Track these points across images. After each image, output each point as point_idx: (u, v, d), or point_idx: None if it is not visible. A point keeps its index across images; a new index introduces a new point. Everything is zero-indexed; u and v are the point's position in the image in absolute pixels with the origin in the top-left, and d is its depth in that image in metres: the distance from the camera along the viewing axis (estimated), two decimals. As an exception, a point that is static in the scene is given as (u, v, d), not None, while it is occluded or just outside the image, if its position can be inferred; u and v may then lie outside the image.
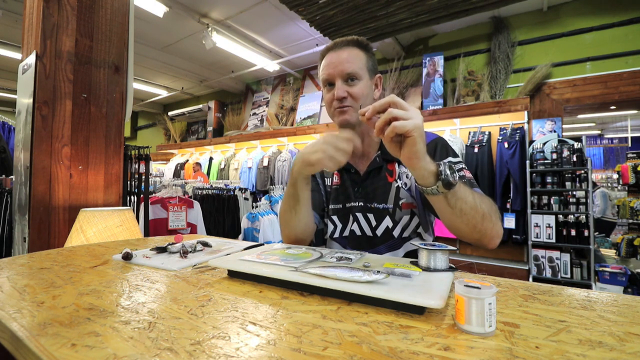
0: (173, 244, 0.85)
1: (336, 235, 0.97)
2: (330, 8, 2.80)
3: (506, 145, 3.03)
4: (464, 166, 0.87)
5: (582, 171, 2.77)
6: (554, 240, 2.78)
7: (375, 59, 0.92)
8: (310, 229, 0.91)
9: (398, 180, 0.91)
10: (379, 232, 0.91)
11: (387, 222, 0.90)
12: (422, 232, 0.92)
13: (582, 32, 3.09)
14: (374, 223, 0.91)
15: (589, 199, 2.71)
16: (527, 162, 2.90)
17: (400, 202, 0.89)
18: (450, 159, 0.86)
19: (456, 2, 2.66)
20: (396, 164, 0.92)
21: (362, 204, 0.93)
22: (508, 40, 3.35)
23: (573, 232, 2.75)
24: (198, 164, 5.22)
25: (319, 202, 1.00)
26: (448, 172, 0.63)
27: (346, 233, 0.95)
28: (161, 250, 0.83)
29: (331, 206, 0.98)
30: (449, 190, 0.64)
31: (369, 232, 0.92)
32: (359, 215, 0.93)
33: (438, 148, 0.90)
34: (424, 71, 3.66)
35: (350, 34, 3.31)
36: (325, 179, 1.02)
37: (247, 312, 0.46)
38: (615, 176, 6.75)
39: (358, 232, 0.92)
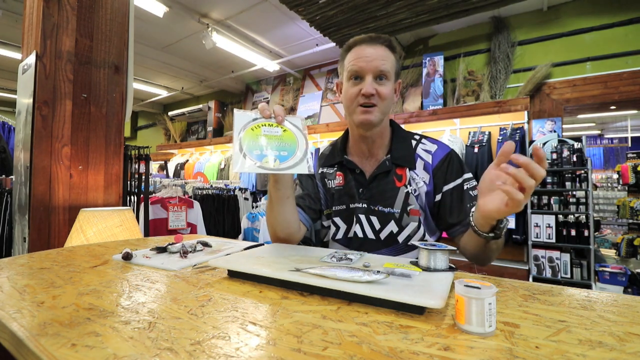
0: (173, 244, 0.85)
1: (339, 236, 0.95)
2: (330, 8, 2.80)
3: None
4: (476, 183, 0.87)
5: (582, 171, 2.76)
6: (554, 240, 2.78)
7: (400, 64, 0.91)
8: (292, 229, 0.88)
9: (408, 186, 0.89)
10: (383, 235, 0.89)
11: (392, 226, 0.88)
12: (428, 238, 0.91)
13: (582, 32, 3.09)
14: (377, 226, 0.89)
15: (589, 199, 2.71)
16: (527, 162, 2.89)
17: (408, 208, 0.88)
18: (465, 176, 0.88)
19: (456, 2, 2.65)
20: (406, 169, 0.90)
21: (366, 206, 0.91)
22: (508, 40, 3.35)
23: (573, 232, 2.75)
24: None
25: (311, 204, 0.98)
26: (503, 231, 0.68)
27: (350, 234, 0.93)
28: (161, 250, 0.83)
29: (335, 207, 0.96)
30: (494, 239, 0.70)
31: (371, 235, 0.90)
32: (362, 217, 0.91)
33: (455, 163, 0.90)
34: (424, 71, 3.65)
35: (350, 34, 3.32)
36: (327, 180, 1.00)
37: (247, 312, 0.46)
38: (615, 176, 6.75)
39: (360, 235, 0.91)
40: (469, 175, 0.89)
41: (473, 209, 0.72)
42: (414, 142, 0.94)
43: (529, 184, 0.55)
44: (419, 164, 0.91)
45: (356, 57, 0.85)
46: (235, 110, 0.74)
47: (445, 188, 0.88)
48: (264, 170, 0.70)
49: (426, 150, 0.92)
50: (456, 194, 0.87)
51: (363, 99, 0.84)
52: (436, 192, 0.89)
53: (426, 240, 0.90)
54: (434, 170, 0.89)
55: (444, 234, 0.95)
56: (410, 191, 0.88)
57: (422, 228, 0.89)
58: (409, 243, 0.88)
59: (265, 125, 0.74)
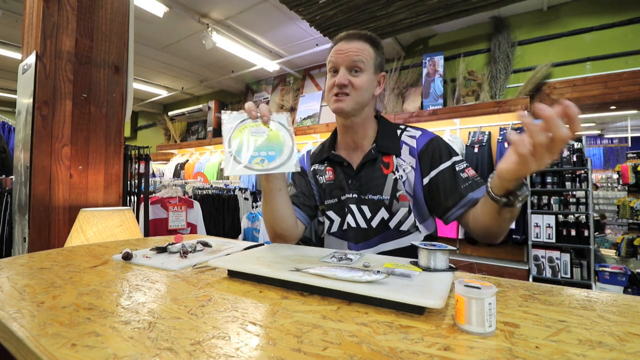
0: (173, 244, 0.85)
1: (334, 229, 0.97)
2: (330, 8, 2.80)
3: (506, 145, 3.03)
4: (466, 165, 0.88)
5: (582, 171, 2.76)
6: (554, 240, 2.78)
7: (383, 57, 0.94)
8: (288, 224, 0.90)
9: (396, 172, 0.90)
10: (374, 223, 0.91)
11: (383, 213, 0.90)
12: (419, 224, 0.91)
13: (582, 32, 3.09)
14: (368, 215, 0.92)
15: (589, 199, 2.71)
16: (527, 162, 2.89)
17: (397, 194, 0.89)
18: (455, 158, 0.88)
19: (456, 2, 2.65)
20: (393, 156, 0.92)
21: (356, 196, 0.93)
22: (508, 40, 3.35)
23: (573, 232, 2.75)
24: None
25: (306, 201, 1.00)
26: (520, 200, 0.64)
27: (345, 227, 0.95)
28: (161, 250, 0.83)
29: (327, 202, 0.99)
30: (508, 207, 0.66)
31: (363, 224, 0.92)
32: (353, 207, 0.93)
33: (441, 146, 0.90)
34: (424, 71, 3.65)
35: (350, 34, 3.32)
36: (318, 177, 1.02)
37: (247, 312, 0.46)
38: (615, 176, 6.76)
39: (353, 225, 0.93)
40: (459, 157, 0.89)
41: (491, 175, 0.68)
42: (399, 131, 0.97)
43: (538, 140, 0.49)
44: (405, 150, 0.93)
45: (333, 51, 0.90)
46: (222, 112, 0.77)
47: (435, 172, 0.88)
48: (253, 171, 0.73)
49: (410, 136, 0.94)
50: (448, 176, 0.86)
51: (336, 89, 0.88)
52: (424, 176, 0.90)
53: (417, 228, 0.91)
54: (419, 154, 0.91)
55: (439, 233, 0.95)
56: (397, 177, 0.90)
57: (412, 213, 0.90)
58: (401, 229, 0.90)
59: (252, 126, 0.78)
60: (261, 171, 0.75)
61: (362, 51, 0.87)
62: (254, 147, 0.75)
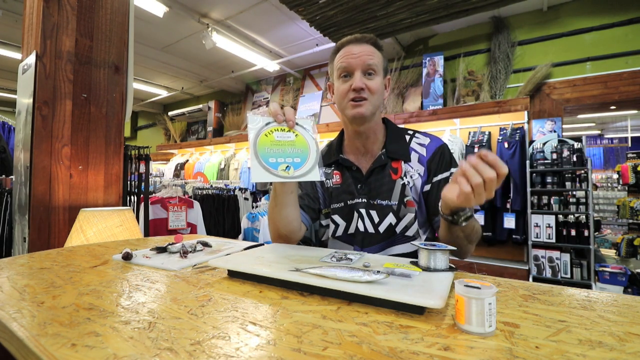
0: (173, 244, 0.85)
1: (339, 233, 0.96)
2: (330, 8, 2.80)
3: (506, 145, 3.03)
4: None
5: (582, 171, 2.76)
6: (554, 240, 2.78)
7: (387, 61, 0.95)
8: (294, 226, 0.89)
9: (404, 178, 0.91)
10: (382, 228, 0.91)
11: (391, 218, 0.91)
12: (421, 230, 0.92)
13: (582, 32, 3.09)
14: (376, 220, 0.92)
15: (589, 199, 2.71)
16: (527, 162, 2.90)
17: (405, 200, 0.90)
18: (452, 169, 0.91)
19: (456, 2, 2.65)
20: (402, 162, 0.93)
21: (365, 201, 0.93)
22: (508, 40, 3.35)
23: (573, 232, 2.75)
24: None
25: (310, 204, 1.00)
26: (462, 219, 0.70)
27: (351, 230, 0.95)
28: (161, 250, 0.83)
29: (333, 206, 0.98)
30: (456, 225, 0.72)
31: (371, 229, 0.92)
32: (363, 211, 0.94)
33: (445, 156, 0.92)
34: (424, 71, 3.65)
35: (350, 34, 3.32)
36: (325, 180, 1.02)
37: (247, 312, 0.46)
38: (615, 176, 6.76)
39: (362, 229, 0.93)
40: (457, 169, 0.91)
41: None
42: (407, 137, 0.98)
43: (474, 181, 0.59)
44: (414, 157, 0.94)
45: (345, 54, 0.89)
46: (248, 113, 0.76)
47: (434, 179, 0.91)
48: (279, 178, 0.72)
49: (420, 144, 0.95)
50: (440, 187, 0.88)
51: (354, 94, 0.87)
52: (427, 183, 0.92)
53: (419, 233, 0.92)
54: (427, 162, 0.93)
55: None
56: (405, 183, 0.91)
57: (417, 219, 0.91)
58: (406, 234, 0.90)
59: (277, 130, 0.76)
60: (287, 178, 0.73)
61: (374, 54, 0.88)
62: (279, 153, 0.74)
